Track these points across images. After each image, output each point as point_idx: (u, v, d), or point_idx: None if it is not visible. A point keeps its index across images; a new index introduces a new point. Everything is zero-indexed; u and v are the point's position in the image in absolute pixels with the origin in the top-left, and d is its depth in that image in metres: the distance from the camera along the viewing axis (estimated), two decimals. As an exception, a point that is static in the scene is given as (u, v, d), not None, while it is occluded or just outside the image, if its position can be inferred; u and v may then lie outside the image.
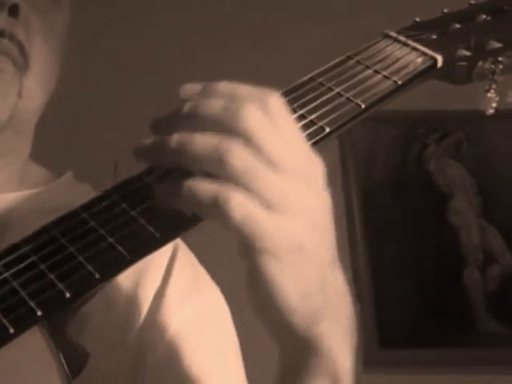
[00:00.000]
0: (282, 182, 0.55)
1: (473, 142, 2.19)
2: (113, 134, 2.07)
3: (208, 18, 2.23)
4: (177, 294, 0.76)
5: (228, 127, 0.55)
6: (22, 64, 0.73)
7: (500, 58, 0.70)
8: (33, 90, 0.75)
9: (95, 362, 0.61)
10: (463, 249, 2.08)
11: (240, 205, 0.53)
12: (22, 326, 0.55)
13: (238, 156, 0.53)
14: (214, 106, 0.56)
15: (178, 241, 0.81)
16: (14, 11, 0.71)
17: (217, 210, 0.53)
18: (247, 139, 0.54)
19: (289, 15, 2.20)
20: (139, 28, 2.20)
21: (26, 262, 0.57)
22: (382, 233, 2.08)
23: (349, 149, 2.14)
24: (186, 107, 0.58)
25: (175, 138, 0.56)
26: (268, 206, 0.54)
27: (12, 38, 0.71)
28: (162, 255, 0.78)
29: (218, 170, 0.54)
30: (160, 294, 0.76)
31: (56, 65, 0.77)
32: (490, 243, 2.10)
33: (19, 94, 0.73)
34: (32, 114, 0.77)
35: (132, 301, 0.75)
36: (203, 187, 0.54)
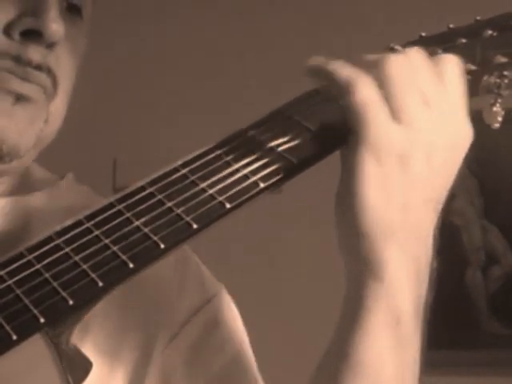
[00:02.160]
0: (392, 125, 0.62)
1: (474, 141, 2.18)
2: (112, 132, 2.07)
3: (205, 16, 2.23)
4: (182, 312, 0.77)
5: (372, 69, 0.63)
6: (51, 93, 0.75)
7: (506, 73, 0.71)
8: (57, 115, 0.77)
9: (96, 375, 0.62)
10: (465, 249, 2.08)
11: (367, 87, 0.62)
12: (24, 333, 0.55)
13: (363, 87, 0.61)
14: (367, 57, 0.66)
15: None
16: (51, 45, 0.72)
17: (346, 89, 0.62)
18: (382, 82, 0.63)
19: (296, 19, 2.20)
20: (139, 27, 2.20)
21: (29, 270, 0.57)
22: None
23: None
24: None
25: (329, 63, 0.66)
26: (393, 113, 0.62)
27: (49, 71, 0.73)
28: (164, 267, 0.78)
29: (343, 95, 0.62)
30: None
31: (73, 86, 0.80)
32: (491, 244, 2.10)
33: (46, 120, 0.76)
34: (53, 136, 0.79)
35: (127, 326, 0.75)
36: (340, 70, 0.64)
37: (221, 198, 0.61)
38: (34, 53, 0.72)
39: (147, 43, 2.18)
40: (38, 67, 0.72)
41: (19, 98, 0.73)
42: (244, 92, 1.93)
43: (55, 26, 0.71)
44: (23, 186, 0.80)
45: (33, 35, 0.71)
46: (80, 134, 1.90)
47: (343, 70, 0.64)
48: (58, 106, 0.77)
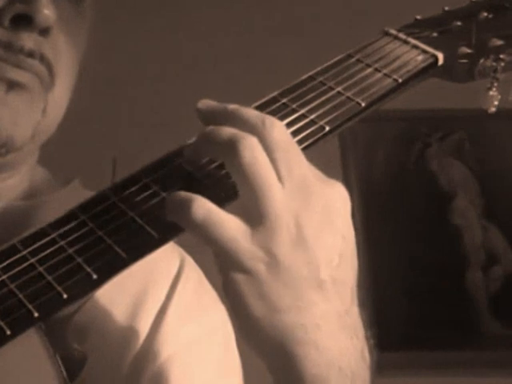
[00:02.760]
0: (280, 190, 0.55)
1: (475, 141, 2.19)
2: (112, 131, 2.07)
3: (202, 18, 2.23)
4: (178, 314, 0.75)
5: (255, 131, 0.56)
6: (48, 82, 0.73)
7: (502, 56, 0.70)
8: (56, 107, 0.75)
9: (92, 372, 0.61)
10: (466, 249, 2.08)
11: (202, 206, 0.54)
12: (18, 328, 0.54)
13: (249, 147, 0.55)
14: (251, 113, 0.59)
15: (185, 256, 0.80)
16: (44, 31, 0.70)
17: (183, 215, 0.55)
18: (268, 145, 0.56)
19: (289, 14, 2.20)
20: (139, 24, 2.20)
21: (23, 264, 0.57)
22: (382, 233, 2.07)
23: (350, 148, 2.13)
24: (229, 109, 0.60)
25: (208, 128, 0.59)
26: (249, 216, 0.55)
27: (42, 58, 0.71)
28: (167, 271, 0.78)
29: (228, 158, 0.56)
30: (161, 314, 0.75)
31: (75, 78, 0.78)
32: (492, 244, 2.10)
33: (44, 111, 0.73)
34: (53, 129, 0.77)
35: (134, 318, 0.74)
36: (173, 196, 0.56)
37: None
38: (26, 39, 0.69)
39: (148, 42, 2.18)
40: (31, 54, 0.70)
41: (12, 86, 0.70)
42: (243, 92, 1.93)
43: (46, 10, 0.68)
44: (28, 190, 0.79)
45: (24, 22, 0.69)
46: (80, 132, 1.90)
47: (224, 130, 0.57)
48: (58, 97, 0.74)
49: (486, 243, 2.10)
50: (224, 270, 0.56)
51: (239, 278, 0.55)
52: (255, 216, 0.55)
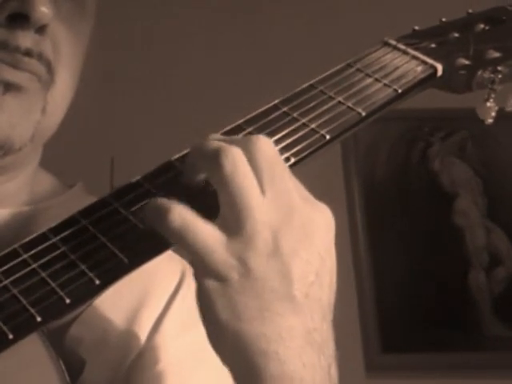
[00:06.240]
0: (260, 201, 0.56)
1: (478, 140, 2.18)
2: (110, 130, 2.07)
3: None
4: (175, 324, 0.75)
5: (241, 145, 0.57)
6: (47, 80, 0.72)
7: (499, 68, 0.71)
8: (56, 105, 0.74)
9: (90, 377, 0.61)
10: (468, 250, 2.07)
11: (179, 214, 0.55)
12: (21, 332, 0.54)
13: (232, 158, 0.55)
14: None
15: (187, 267, 0.79)
16: (41, 29, 0.69)
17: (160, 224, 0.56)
18: (253, 157, 0.57)
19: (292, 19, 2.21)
20: (137, 25, 2.20)
21: (26, 269, 0.57)
22: (384, 234, 2.07)
23: (351, 147, 2.12)
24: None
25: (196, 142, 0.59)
26: (227, 224, 0.56)
27: (40, 57, 0.70)
28: (168, 281, 0.77)
29: (211, 170, 0.57)
30: (158, 322, 0.74)
31: (78, 74, 0.76)
32: (495, 245, 2.09)
33: (43, 111, 0.72)
34: (54, 128, 0.76)
35: (132, 325, 0.73)
36: (152, 202, 0.56)
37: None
38: (23, 38, 0.68)
39: (146, 42, 2.18)
40: (28, 53, 0.69)
41: (9, 87, 0.69)
42: (241, 91, 1.93)
43: (43, 8, 0.66)
44: (30, 195, 0.78)
45: (21, 20, 0.67)
46: (78, 132, 1.91)
47: (209, 144, 0.58)
48: (58, 95, 0.73)
49: (488, 244, 2.09)
50: (198, 276, 0.57)
51: (211, 284, 0.56)
52: (233, 225, 0.55)
